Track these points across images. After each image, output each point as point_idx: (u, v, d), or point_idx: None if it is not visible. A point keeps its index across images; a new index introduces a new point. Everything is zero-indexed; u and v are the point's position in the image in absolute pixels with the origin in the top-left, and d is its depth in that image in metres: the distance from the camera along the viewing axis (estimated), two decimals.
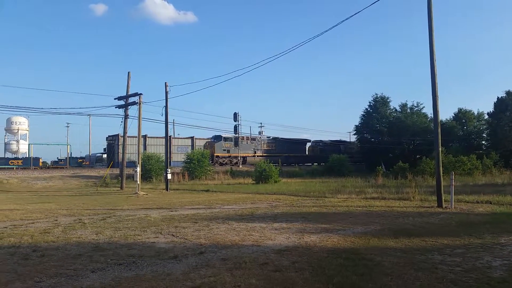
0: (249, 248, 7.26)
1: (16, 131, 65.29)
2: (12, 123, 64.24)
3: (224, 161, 44.75)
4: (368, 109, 56.09)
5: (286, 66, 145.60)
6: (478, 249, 7.22)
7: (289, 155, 51.67)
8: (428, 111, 55.28)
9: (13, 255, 6.78)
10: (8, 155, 61.37)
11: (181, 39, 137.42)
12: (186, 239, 8.27)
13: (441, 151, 15.00)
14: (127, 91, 26.67)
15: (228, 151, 44.85)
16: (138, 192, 22.75)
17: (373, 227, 9.74)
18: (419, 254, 6.82)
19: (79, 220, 11.27)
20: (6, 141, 65.51)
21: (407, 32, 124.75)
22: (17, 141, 64.97)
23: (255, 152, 47.96)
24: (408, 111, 55.55)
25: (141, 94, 25.58)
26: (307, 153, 57.56)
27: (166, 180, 25.53)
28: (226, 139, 44.64)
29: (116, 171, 33.45)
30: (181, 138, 49.06)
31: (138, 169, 24.74)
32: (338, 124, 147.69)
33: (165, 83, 26.23)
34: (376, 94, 55.73)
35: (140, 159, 26.10)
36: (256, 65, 44.18)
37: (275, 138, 52.12)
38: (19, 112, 66.24)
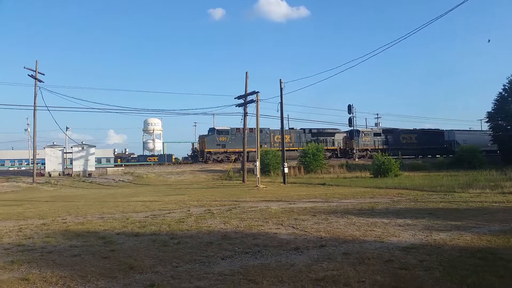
0: (372, 244, 7.08)
1: (152, 131, 73.85)
2: (148, 124, 72.81)
3: (218, 157, 39.83)
4: (503, 93, 49.18)
5: (403, 53, 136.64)
6: None
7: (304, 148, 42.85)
8: None
9: (154, 242, 7.61)
10: (146, 152, 69.64)
11: (294, 34, 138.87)
12: (306, 231, 8.42)
13: None
14: (246, 90, 27.94)
15: (224, 146, 39.59)
16: (258, 185, 23.76)
17: None
18: None
19: (208, 210, 12.27)
20: (144, 140, 74.78)
21: None
22: (153, 140, 73.52)
23: (260, 146, 40.37)
24: None
25: (258, 92, 26.62)
26: (337, 145, 46.29)
27: (283, 173, 26.20)
28: (220, 132, 39.61)
29: (238, 165, 35.38)
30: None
31: (258, 163, 25.89)
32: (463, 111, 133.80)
33: (280, 79, 26.82)
34: None
35: (259, 154, 27.20)
36: (373, 52, 41.97)
37: (291, 129, 43.96)
38: (154, 114, 74.67)
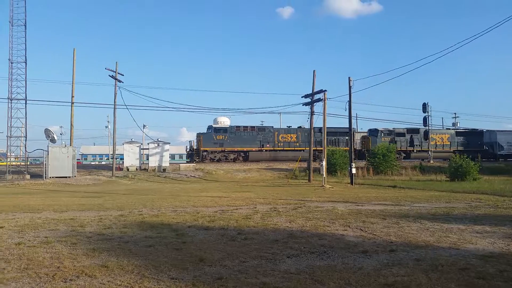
0: (446, 251, 6.71)
1: None
2: (218, 122, 75.02)
3: (215, 156, 38.43)
4: None
5: (483, 51, 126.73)
6: None
7: (316, 148, 37.58)
8: None
9: (223, 236, 7.89)
10: None
11: (366, 30, 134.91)
12: (375, 234, 8.18)
13: None
14: (313, 89, 27.71)
15: (221, 145, 38.14)
16: (324, 185, 23.46)
17: None
18: None
19: (274, 208, 12.39)
20: None
21: None
22: None
23: (262, 146, 39.13)
24: None
25: (325, 91, 26.29)
26: (355, 147, 40.26)
27: (351, 174, 25.60)
28: (217, 130, 38.16)
29: (304, 164, 35.20)
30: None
31: (324, 163, 25.58)
32: None
33: (349, 78, 26.23)
34: None
35: (325, 153, 26.85)
36: (450, 49, 38.60)
37: (299, 128, 40.56)
38: (223, 113, 76.85)
